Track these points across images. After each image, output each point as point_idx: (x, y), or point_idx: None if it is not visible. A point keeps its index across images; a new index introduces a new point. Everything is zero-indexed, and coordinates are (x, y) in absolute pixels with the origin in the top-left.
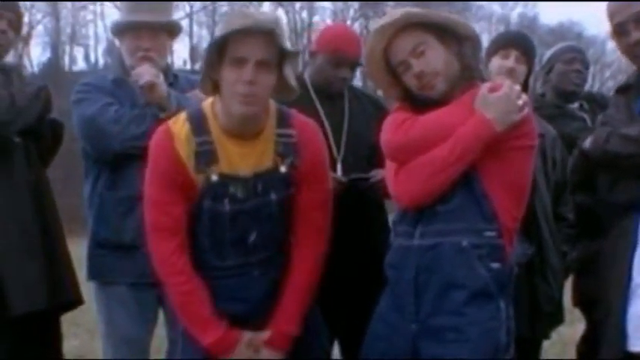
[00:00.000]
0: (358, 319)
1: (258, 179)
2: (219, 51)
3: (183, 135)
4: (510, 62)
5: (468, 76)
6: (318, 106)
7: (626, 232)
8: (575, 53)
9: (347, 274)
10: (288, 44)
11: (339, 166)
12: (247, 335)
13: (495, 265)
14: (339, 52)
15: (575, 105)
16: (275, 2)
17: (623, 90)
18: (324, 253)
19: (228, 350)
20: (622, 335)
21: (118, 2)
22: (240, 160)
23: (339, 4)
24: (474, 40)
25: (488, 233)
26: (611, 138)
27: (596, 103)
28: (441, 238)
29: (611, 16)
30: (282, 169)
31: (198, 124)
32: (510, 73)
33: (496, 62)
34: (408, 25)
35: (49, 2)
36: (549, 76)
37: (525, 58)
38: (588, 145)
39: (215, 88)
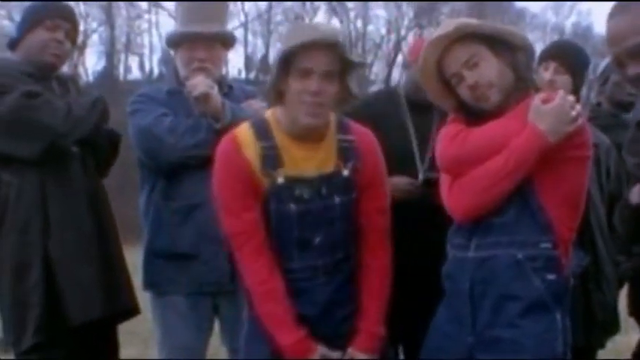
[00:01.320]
0: (422, 326)
1: (323, 182)
2: (285, 63)
3: (248, 140)
4: (549, 74)
5: (522, 86)
6: (407, 118)
7: None
8: None
9: (416, 279)
10: (351, 55)
11: (420, 177)
12: (322, 349)
13: (551, 277)
14: None
15: (630, 115)
16: (329, 11)
17: None
18: (392, 256)
19: (303, 355)
20: None
21: (171, 7)
22: (305, 162)
23: (394, 13)
24: (528, 49)
25: (544, 245)
26: None
27: None
28: (496, 251)
29: (609, 45)
30: (345, 172)
31: (262, 129)
32: (550, 84)
33: (539, 75)
34: (461, 37)
35: (103, 10)
36: (605, 86)
37: (565, 68)
38: (636, 199)
39: (278, 98)
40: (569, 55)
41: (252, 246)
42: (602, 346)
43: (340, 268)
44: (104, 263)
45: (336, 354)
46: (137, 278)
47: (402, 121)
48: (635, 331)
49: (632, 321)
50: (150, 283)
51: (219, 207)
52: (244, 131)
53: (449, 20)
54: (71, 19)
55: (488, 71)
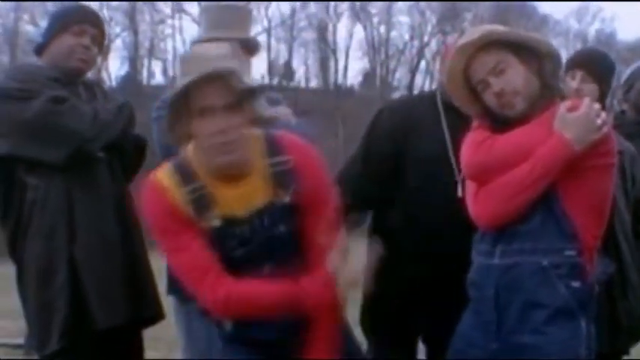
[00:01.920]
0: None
1: (263, 215)
2: (181, 104)
3: (172, 187)
4: (575, 83)
5: (548, 94)
6: (443, 123)
7: None
8: None
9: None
10: (247, 82)
11: (459, 187)
12: None
13: (576, 284)
14: None
15: None
16: (352, 17)
17: None
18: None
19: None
20: None
21: (195, 13)
22: (237, 202)
23: (417, 19)
24: (554, 57)
25: (569, 252)
26: None
27: None
28: (521, 258)
29: None
30: (286, 199)
31: (185, 172)
32: (577, 93)
33: (565, 84)
34: (487, 44)
35: (127, 15)
36: (629, 94)
37: (593, 77)
38: None
39: (187, 139)
40: (595, 64)
41: (211, 278)
42: (626, 352)
43: None
44: (130, 268)
45: None
46: (161, 283)
47: (438, 126)
48: None
49: None
50: (174, 289)
51: (163, 250)
52: (167, 177)
53: (474, 28)
54: (98, 24)
55: (514, 78)
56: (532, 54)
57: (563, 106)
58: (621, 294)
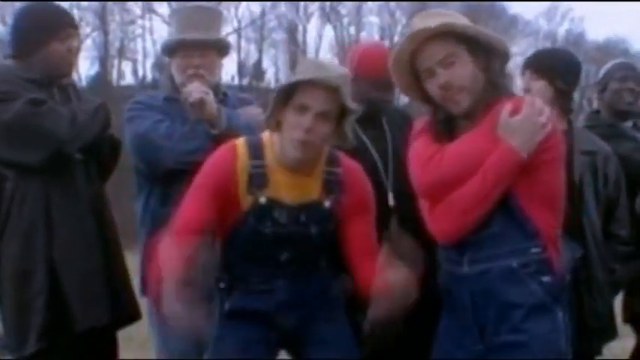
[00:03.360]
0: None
1: (302, 210)
2: (287, 94)
3: (243, 156)
4: (524, 83)
5: (492, 91)
6: (362, 135)
7: None
8: (629, 71)
9: None
10: (350, 102)
11: (390, 195)
12: None
13: (546, 279)
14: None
15: (629, 123)
16: (322, 17)
17: None
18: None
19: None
20: None
21: (165, 13)
22: (288, 189)
23: (387, 19)
24: (505, 56)
25: (534, 250)
26: None
27: None
28: (490, 264)
29: None
30: (327, 203)
31: (255, 149)
32: (525, 92)
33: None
34: (444, 33)
35: (97, 15)
36: (604, 94)
37: (540, 74)
38: None
39: (276, 126)
40: (542, 61)
41: (191, 238)
42: (598, 352)
43: (302, 272)
44: (107, 269)
45: None
46: (134, 283)
47: (360, 138)
48: (630, 336)
49: (626, 327)
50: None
51: (189, 192)
52: (242, 146)
53: (429, 12)
54: (76, 25)
55: (462, 73)
56: (482, 50)
57: (505, 111)
58: (588, 293)
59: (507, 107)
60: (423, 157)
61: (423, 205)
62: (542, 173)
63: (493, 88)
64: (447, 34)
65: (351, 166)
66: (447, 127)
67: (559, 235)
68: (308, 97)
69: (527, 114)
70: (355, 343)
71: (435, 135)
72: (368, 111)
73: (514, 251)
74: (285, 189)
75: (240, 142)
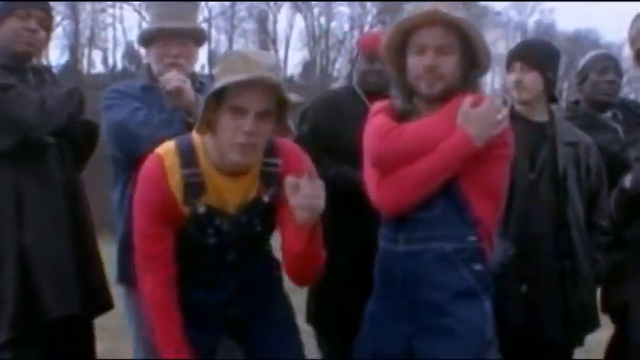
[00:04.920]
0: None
1: (243, 212)
2: (218, 95)
3: (174, 167)
4: (514, 75)
5: (463, 85)
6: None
7: None
8: (609, 62)
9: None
10: (289, 96)
11: None
12: None
13: (477, 267)
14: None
15: (608, 114)
16: (293, 7)
17: None
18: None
19: None
20: None
21: (136, 2)
22: (229, 195)
23: (357, 9)
24: (484, 68)
25: (471, 238)
26: None
27: (631, 112)
28: (425, 245)
29: (633, 41)
30: (265, 198)
31: (188, 156)
32: (517, 85)
33: (507, 78)
34: (446, 21)
35: (68, 4)
36: (584, 85)
37: (532, 66)
38: (629, 184)
39: (208, 128)
40: (533, 52)
41: (164, 275)
42: (581, 343)
43: (246, 264)
44: (80, 257)
45: None
46: (108, 272)
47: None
48: (606, 327)
49: (603, 318)
50: (124, 277)
51: (135, 230)
52: (170, 156)
53: (437, 2)
54: (44, 8)
55: (449, 67)
56: (471, 55)
57: (466, 102)
58: (573, 285)
59: (469, 99)
60: (382, 130)
61: (370, 176)
62: (490, 167)
63: (466, 85)
64: (455, 26)
65: (291, 154)
66: (407, 108)
67: (495, 231)
68: (244, 99)
69: (486, 108)
70: (295, 322)
71: (394, 114)
72: (368, 88)
73: (451, 236)
74: (226, 193)
75: (168, 152)
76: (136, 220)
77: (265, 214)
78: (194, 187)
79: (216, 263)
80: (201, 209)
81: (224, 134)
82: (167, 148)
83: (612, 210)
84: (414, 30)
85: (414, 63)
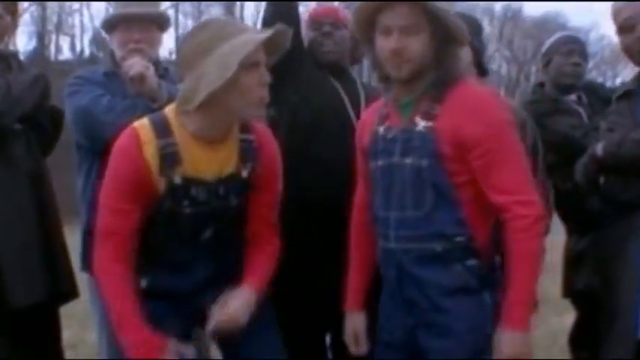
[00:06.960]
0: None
1: (221, 184)
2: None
3: (148, 137)
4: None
5: (440, 71)
6: (337, 84)
7: (636, 228)
8: (574, 45)
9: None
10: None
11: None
12: (175, 346)
13: (472, 262)
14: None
15: (573, 97)
16: None
17: (623, 96)
18: (278, 249)
19: (154, 354)
20: (635, 325)
21: None
22: (205, 164)
23: None
24: (461, 42)
25: (459, 239)
26: (624, 143)
27: (596, 94)
28: (415, 244)
29: (618, 12)
30: (244, 173)
31: (162, 127)
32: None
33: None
34: (416, 2)
35: None
36: (548, 67)
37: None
38: (600, 151)
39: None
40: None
41: (117, 252)
42: None
43: (221, 255)
44: (46, 245)
45: (190, 350)
46: (73, 260)
47: (326, 79)
48: (569, 312)
49: (565, 303)
50: (88, 264)
51: (101, 199)
52: (145, 127)
53: None
54: None
55: (415, 47)
56: (442, 33)
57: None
58: None
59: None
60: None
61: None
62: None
63: (441, 68)
64: (420, 5)
65: (263, 132)
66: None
67: (490, 231)
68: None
69: None
70: (272, 310)
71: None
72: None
73: (440, 235)
74: (202, 164)
75: (142, 124)
76: (104, 193)
77: (242, 189)
78: (170, 157)
79: (192, 242)
80: (177, 179)
81: (245, 94)
82: (141, 122)
83: (580, 177)
84: (380, 9)
85: (381, 45)
